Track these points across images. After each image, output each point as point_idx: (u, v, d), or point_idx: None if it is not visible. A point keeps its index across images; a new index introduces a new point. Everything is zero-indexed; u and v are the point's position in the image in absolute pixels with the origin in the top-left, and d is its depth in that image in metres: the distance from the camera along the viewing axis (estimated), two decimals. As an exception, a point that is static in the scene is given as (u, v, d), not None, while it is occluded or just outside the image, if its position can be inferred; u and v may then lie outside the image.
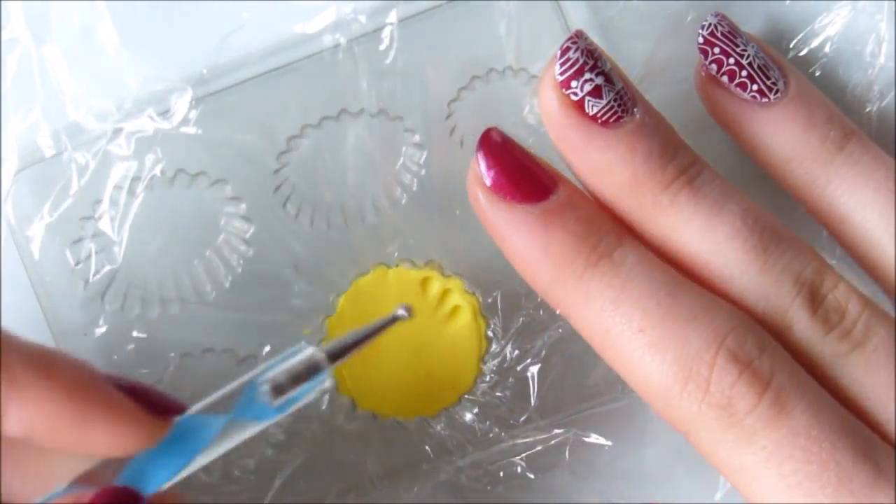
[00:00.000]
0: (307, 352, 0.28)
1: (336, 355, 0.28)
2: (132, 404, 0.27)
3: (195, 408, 0.27)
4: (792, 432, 0.26)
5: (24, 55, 0.34)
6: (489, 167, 0.29)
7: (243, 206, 0.34)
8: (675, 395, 0.27)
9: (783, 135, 0.31)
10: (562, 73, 0.28)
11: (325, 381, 0.28)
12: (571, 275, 0.28)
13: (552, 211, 0.28)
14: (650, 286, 0.28)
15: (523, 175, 0.29)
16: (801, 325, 0.28)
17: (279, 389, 0.27)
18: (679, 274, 0.29)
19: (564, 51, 0.28)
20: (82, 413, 0.26)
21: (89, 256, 0.34)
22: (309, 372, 0.27)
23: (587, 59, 0.28)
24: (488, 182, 0.29)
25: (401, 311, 0.29)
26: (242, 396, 0.27)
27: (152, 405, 0.27)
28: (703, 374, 0.27)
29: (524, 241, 0.28)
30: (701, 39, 0.31)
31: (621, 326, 0.28)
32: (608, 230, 0.29)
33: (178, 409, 0.28)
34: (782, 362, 0.27)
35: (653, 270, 0.28)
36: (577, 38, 0.29)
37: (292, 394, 0.27)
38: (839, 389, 0.28)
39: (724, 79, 0.31)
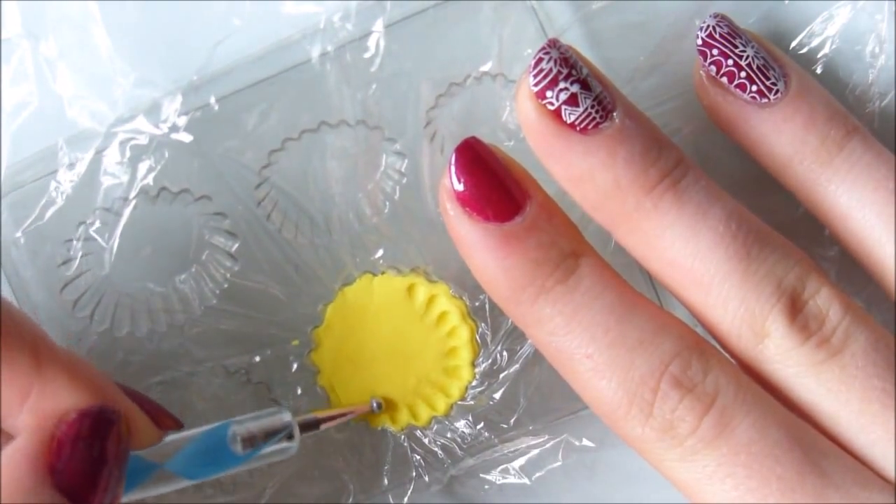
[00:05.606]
0: (284, 417, 0.31)
1: (308, 426, 0.32)
2: (139, 410, 0.29)
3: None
4: (732, 451, 0.27)
5: (21, 55, 0.35)
6: (459, 181, 0.29)
7: (227, 221, 0.34)
8: (621, 418, 0.28)
9: (784, 134, 0.30)
10: (536, 84, 0.28)
11: (292, 447, 0.31)
12: (526, 299, 0.29)
13: (514, 234, 0.28)
14: (601, 311, 0.28)
15: (492, 192, 0.29)
16: (779, 333, 0.28)
17: (250, 441, 0.30)
18: (634, 294, 0.29)
19: (538, 61, 0.28)
20: None
21: (77, 277, 0.34)
22: (280, 433, 0.30)
23: (561, 68, 0.28)
24: (457, 196, 0.29)
25: (374, 405, 0.34)
26: (211, 437, 0.29)
27: (151, 415, 0.29)
28: (647, 399, 0.27)
29: (483, 259, 0.29)
30: (699, 41, 0.31)
31: (571, 350, 0.28)
32: (568, 253, 0.29)
33: (172, 424, 0.30)
34: (728, 381, 0.28)
35: (606, 295, 0.28)
36: (551, 47, 0.28)
37: (258, 449, 0.30)
38: (814, 398, 0.28)
39: (724, 80, 0.31)
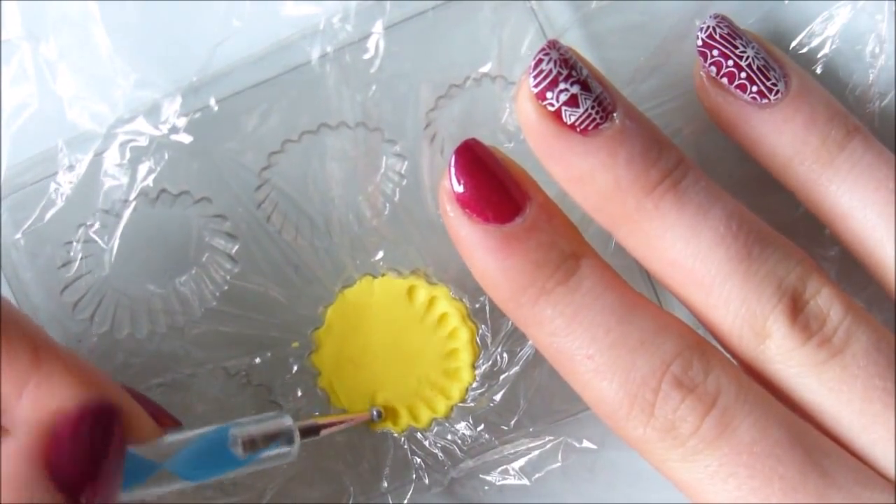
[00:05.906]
0: (286, 421, 0.31)
1: (308, 431, 0.31)
2: (138, 405, 0.29)
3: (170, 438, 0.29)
4: (734, 450, 0.27)
5: (21, 56, 0.35)
6: (459, 183, 0.29)
7: (227, 223, 0.34)
8: (622, 418, 0.28)
9: (784, 135, 0.30)
10: (536, 86, 0.28)
11: (292, 452, 0.31)
12: (527, 300, 0.29)
13: (514, 235, 0.28)
14: (602, 312, 0.28)
15: (492, 194, 0.29)
16: (781, 333, 0.28)
17: (251, 444, 0.29)
18: (635, 295, 0.29)
19: (537, 63, 0.28)
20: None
21: (77, 279, 0.34)
22: (280, 437, 0.30)
23: (561, 69, 0.28)
24: (456, 197, 0.29)
25: (374, 414, 0.34)
26: (211, 439, 0.29)
27: (151, 415, 0.29)
28: (648, 400, 0.27)
29: (484, 260, 0.29)
30: (699, 42, 0.31)
31: (572, 351, 0.28)
32: (568, 254, 0.29)
33: (171, 423, 0.30)
34: (729, 381, 0.28)
35: (607, 295, 0.28)
36: (550, 48, 0.28)
37: (259, 453, 0.30)
38: (816, 398, 0.28)
39: (724, 81, 0.31)
